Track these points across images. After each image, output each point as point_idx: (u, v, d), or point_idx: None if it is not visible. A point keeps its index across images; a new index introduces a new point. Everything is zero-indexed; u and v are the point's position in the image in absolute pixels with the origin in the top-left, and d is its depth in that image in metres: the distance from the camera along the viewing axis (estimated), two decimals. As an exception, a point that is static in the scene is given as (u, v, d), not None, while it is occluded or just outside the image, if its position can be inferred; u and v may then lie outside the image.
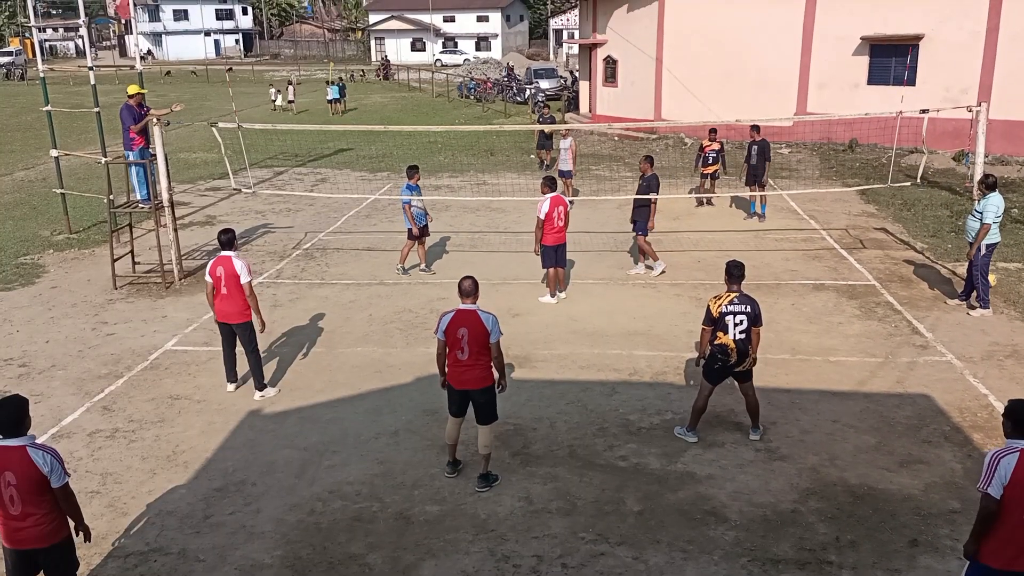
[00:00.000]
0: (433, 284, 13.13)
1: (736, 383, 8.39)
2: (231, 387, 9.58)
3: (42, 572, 5.53)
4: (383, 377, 9.92)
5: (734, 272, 8.13)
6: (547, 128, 21.60)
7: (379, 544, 6.80)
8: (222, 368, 9.80)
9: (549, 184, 12.34)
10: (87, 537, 5.75)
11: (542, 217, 12.04)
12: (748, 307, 8.03)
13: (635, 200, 13.45)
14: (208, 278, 9.24)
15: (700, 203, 18.42)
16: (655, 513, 7.16)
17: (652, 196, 13.17)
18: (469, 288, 7.47)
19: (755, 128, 16.82)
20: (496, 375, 7.57)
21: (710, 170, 18.17)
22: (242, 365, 9.61)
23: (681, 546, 6.71)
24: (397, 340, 11.01)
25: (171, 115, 14.13)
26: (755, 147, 16.78)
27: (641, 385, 9.61)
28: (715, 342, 8.07)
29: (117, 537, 6.93)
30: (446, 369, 7.53)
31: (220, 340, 9.52)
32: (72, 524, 5.60)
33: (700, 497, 7.38)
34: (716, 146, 18.08)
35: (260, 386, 9.42)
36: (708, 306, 8.10)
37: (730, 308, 7.98)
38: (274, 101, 40.87)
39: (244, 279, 9.11)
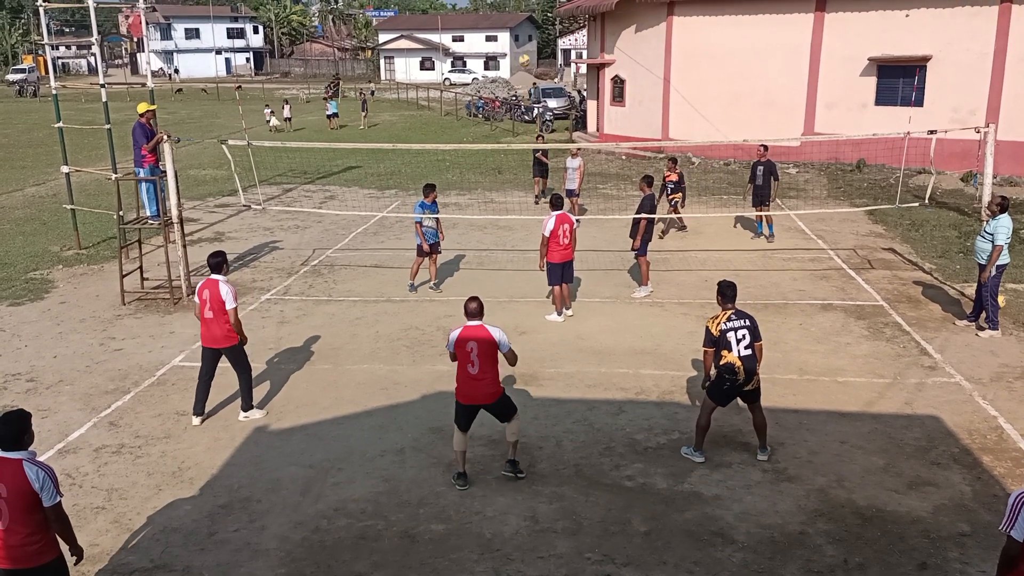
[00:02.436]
0: (440, 302, 13.14)
1: (745, 404, 8.35)
2: (196, 420, 9.17)
3: None
4: (389, 394, 9.91)
5: (728, 292, 8.13)
6: (541, 146, 20.68)
7: (384, 563, 6.77)
8: (228, 384, 9.83)
9: (556, 202, 12.42)
10: (79, 558, 5.65)
11: (547, 234, 12.08)
12: (747, 321, 8.04)
13: (635, 220, 13.50)
14: (196, 299, 9.12)
15: (675, 228, 17.73)
16: (662, 534, 7.12)
17: (642, 216, 13.24)
18: (475, 310, 7.75)
19: (763, 147, 16.79)
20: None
21: (671, 199, 17.24)
22: (216, 395, 9.50)
23: (688, 567, 6.66)
24: (404, 357, 11.01)
25: (170, 141, 14.13)
26: (760, 167, 16.67)
27: (648, 404, 9.58)
28: (721, 362, 8.01)
29: (122, 553, 6.92)
30: (456, 384, 7.76)
31: (200, 367, 9.23)
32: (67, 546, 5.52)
33: (707, 518, 7.33)
34: (675, 176, 17.21)
35: (247, 406, 9.30)
36: (707, 327, 8.04)
37: (729, 325, 7.95)
38: (268, 122, 39.71)
39: (229, 305, 8.88)
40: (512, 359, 7.81)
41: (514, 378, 10.08)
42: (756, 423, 8.33)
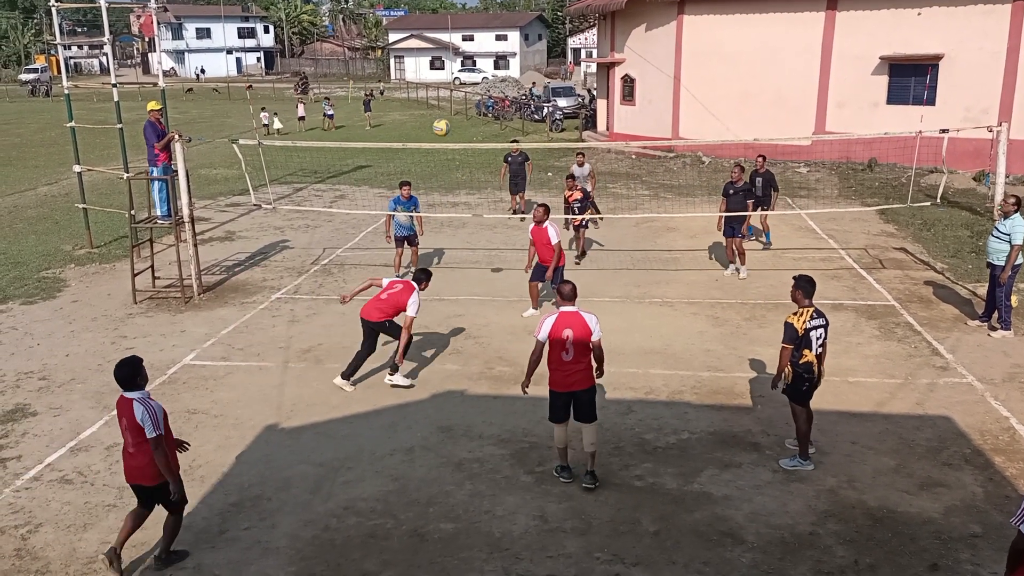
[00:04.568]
0: (449, 301, 13.14)
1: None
2: (349, 386, 10.02)
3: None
4: (398, 393, 9.92)
5: (809, 288, 7.94)
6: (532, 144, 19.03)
7: (393, 561, 6.78)
8: (239, 383, 10.01)
9: (548, 209, 12.43)
10: (174, 492, 6.53)
11: (556, 242, 12.25)
12: (824, 320, 7.94)
13: (732, 207, 14.19)
14: (371, 281, 10.35)
15: (575, 256, 15.47)
16: (671, 534, 7.11)
17: (750, 202, 14.40)
18: (570, 292, 7.79)
19: (761, 157, 16.45)
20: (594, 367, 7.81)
21: (576, 221, 15.35)
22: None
23: (697, 567, 6.65)
24: (413, 356, 11.01)
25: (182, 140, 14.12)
26: (759, 178, 16.10)
27: (657, 404, 9.56)
28: (801, 361, 7.84)
29: (133, 551, 6.95)
30: (550, 373, 7.74)
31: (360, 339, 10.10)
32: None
33: (717, 518, 7.31)
34: (579, 195, 15.47)
35: (393, 368, 10.06)
36: (790, 324, 7.80)
37: (813, 323, 7.81)
38: (266, 125, 37.92)
39: (410, 313, 9.76)
40: (598, 350, 7.71)
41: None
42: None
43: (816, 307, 7.96)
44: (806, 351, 7.81)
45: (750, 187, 14.51)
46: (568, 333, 7.55)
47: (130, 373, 6.45)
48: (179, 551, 6.91)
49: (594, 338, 7.62)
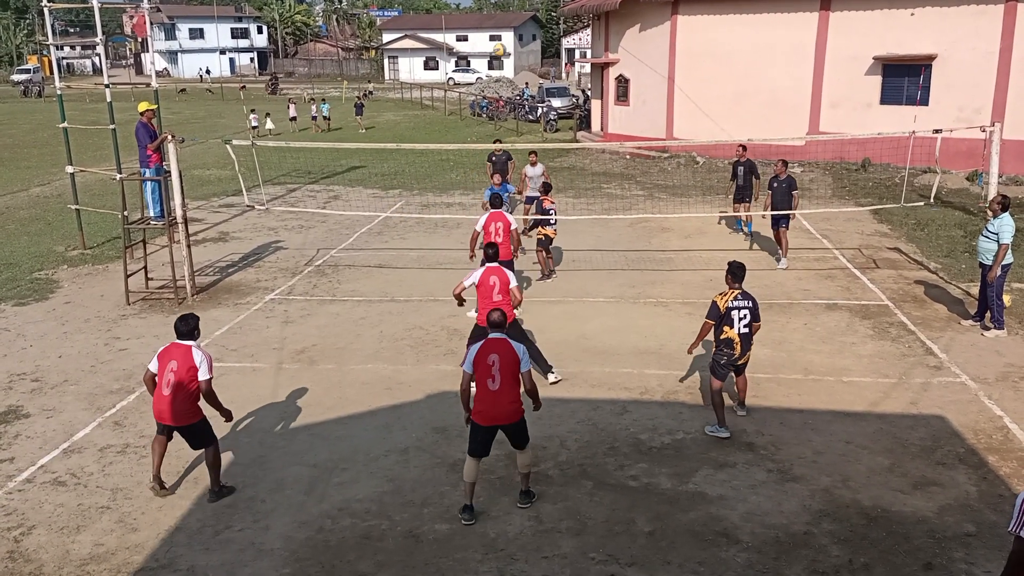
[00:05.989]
0: (444, 302, 13.12)
1: (733, 374, 8.96)
2: (553, 376, 10.19)
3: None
4: (393, 394, 9.91)
5: (738, 272, 8.68)
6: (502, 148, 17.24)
7: (388, 563, 6.77)
8: (232, 384, 9.93)
9: (493, 201, 12.37)
10: (228, 419, 7.84)
11: (479, 229, 11.93)
12: (750, 302, 8.56)
13: (777, 200, 14.90)
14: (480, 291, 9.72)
15: (545, 276, 14.37)
16: (666, 534, 7.11)
17: (796, 193, 15.08)
18: (499, 319, 7.41)
19: (742, 147, 16.77)
20: (531, 401, 7.49)
21: (545, 232, 14.05)
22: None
23: (692, 568, 6.65)
24: (408, 357, 11.01)
25: (175, 140, 14.06)
26: (741, 167, 16.64)
27: (652, 404, 9.57)
28: (721, 336, 8.55)
29: (126, 553, 6.93)
30: (472, 405, 7.30)
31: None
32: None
33: (712, 518, 7.32)
34: (548, 203, 14.22)
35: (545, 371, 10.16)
36: (714, 302, 8.56)
37: (735, 303, 8.49)
38: (255, 128, 36.97)
39: (513, 283, 9.75)
40: (528, 381, 7.29)
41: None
42: (739, 385, 9.09)
43: (743, 290, 8.58)
44: (727, 328, 8.49)
45: (793, 180, 15.08)
46: (493, 358, 7.10)
47: (194, 325, 7.52)
48: (228, 486, 7.77)
49: (523, 368, 7.19)
